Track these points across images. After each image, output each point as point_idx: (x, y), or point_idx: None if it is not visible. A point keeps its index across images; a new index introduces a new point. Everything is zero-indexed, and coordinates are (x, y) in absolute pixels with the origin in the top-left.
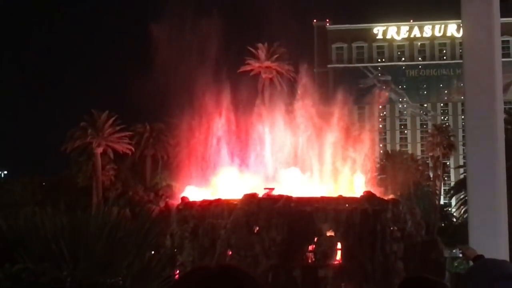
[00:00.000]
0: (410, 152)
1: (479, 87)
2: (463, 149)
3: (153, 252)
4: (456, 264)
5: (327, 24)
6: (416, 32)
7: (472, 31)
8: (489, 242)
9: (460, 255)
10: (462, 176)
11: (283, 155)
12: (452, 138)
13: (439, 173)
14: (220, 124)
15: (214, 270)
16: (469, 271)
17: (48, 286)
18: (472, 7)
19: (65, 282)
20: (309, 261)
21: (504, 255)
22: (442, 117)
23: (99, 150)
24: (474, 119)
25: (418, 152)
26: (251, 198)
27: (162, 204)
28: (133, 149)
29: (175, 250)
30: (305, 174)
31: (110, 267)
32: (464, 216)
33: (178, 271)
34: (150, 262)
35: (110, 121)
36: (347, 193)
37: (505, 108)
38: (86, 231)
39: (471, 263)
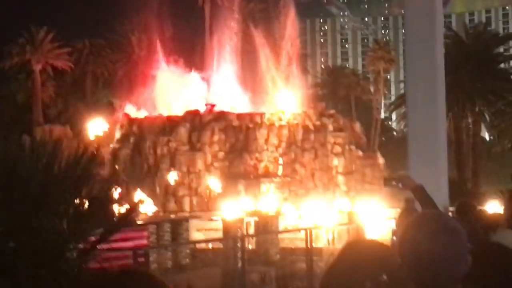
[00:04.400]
0: (351, 66)
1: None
2: (403, 63)
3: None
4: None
5: None
6: None
7: None
8: (428, 154)
9: (400, 185)
10: (402, 91)
11: (223, 71)
12: (392, 53)
13: (380, 87)
14: (160, 37)
15: (115, 276)
16: (407, 226)
17: None
18: None
19: None
20: (251, 176)
21: (442, 166)
22: (383, 31)
23: (38, 67)
24: (415, 41)
25: (359, 67)
26: (192, 114)
27: (103, 120)
28: (72, 66)
29: (116, 167)
30: (244, 89)
31: (46, 207)
32: (404, 130)
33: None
34: (88, 199)
35: (49, 37)
36: (287, 109)
37: (444, 21)
38: (20, 167)
39: (410, 193)
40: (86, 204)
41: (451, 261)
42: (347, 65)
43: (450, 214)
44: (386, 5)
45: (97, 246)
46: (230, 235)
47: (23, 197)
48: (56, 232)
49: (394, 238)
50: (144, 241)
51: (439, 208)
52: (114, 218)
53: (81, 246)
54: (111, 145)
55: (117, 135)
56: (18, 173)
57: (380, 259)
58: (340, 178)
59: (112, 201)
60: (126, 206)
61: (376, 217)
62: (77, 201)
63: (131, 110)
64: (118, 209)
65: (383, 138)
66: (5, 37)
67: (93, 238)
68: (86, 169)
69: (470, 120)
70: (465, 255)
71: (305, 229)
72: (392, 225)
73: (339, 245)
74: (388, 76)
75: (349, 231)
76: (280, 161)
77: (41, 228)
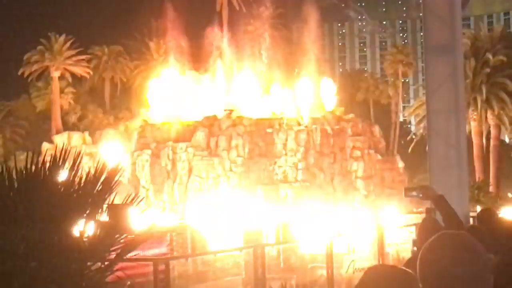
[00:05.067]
0: (369, 70)
1: (438, 19)
2: (422, 66)
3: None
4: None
5: None
6: None
7: None
8: (448, 160)
9: (420, 195)
10: (421, 94)
11: (241, 76)
12: (411, 56)
13: (398, 91)
14: (178, 45)
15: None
16: (426, 248)
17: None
18: None
19: (20, 245)
20: (270, 181)
21: (463, 172)
22: (401, 34)
23: (57, 73)
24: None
25: (378, 70)
26: (211, 119)
27: (122, 127)
28: (91, 72)
29: (136, 173)
30: (262, 93)
31: (67, 223)
32: (424, 134)
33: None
34: (110, 212)
35: (68, 44)
36: (306, 114)
37: (463, 25)
38: (41, 183)
39: (430, 203)
40: (107, 217)
41: (472, 282)
42: (365, 69)
43: (471, 220)
44: (404, 8)
45: (118, 260)
46: (250, 243)
47: (44, 213)
48: (77, 249)
49: (415, 248)
50: (164, 249)
51: (459, 218)
52: (136, 231)
53: (102, 261)
54: (130, 152)
55: (136, 141)
56: (39, 189)
57: (402, 285)
58: (360, 183)
59: (132, 212)
60: (146, 213)
61: (396, 222)
62: (98, 214)
63: (150, 116)
64: (139, 217)
65: (402, 142)
66: (24, 45)
67: (114, 252)
68: (107, 182)
69: (490, 123)
70: (486, 274)
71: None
72: (412, 230)
73: (359, 252)
74: (407, 80)
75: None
76: (299, 166)
77: (62, 246)
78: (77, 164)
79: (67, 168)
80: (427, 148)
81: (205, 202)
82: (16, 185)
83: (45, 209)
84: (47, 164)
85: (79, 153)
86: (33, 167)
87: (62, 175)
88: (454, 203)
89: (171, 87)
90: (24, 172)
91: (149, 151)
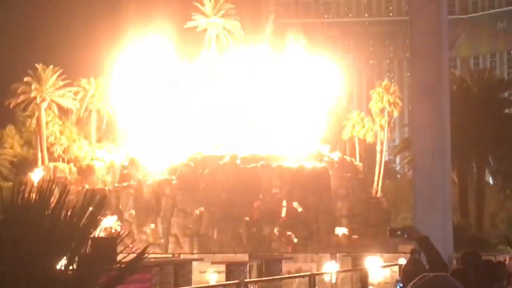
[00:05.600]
0: (356, 109)
1: (426, 60)
2: (408, 106)
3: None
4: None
5: None
6: None
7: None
8: (433, 202)
9: (405, 236)
10: (407, 134)
11: (227, 113)
12: (397, 95)
13: (384, 130)
14: (166, 79)
15: None
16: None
17: None
18: None
19: (5, 279)
20: (254, 217)
21: (447, 214)
22: (388, 74)
23: (43, 105)
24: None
25: (364, 109)
26: (196, 155)
27: (107, 160)
28: (78, 104)
29: (120, 207)
30: (248, 131)
31: (52, 257)
32: (408, 174)
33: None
34: (95, 246)
35: (55, 76)
36: (294, 152)
37: (449, 66)
38: (27, 219)
39: (415, 244)
40: (92, 250)
41: None
42: (351, 108)
43: (454, 262)
44: (391, 48)
45: None
46: (232, 279)
47: (29, 247)
48: (62, 282)
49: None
50: (147, 284)
51: (443, 259)
52: (120, 265)
53: None
54: (114, 185)
55: (120, 175)
56: (24, 221)
57: None
58: (344, 221)
59: (116, 246)
60: (130, 247)
61: (380, 262)
62: (83, 248)
63: (135, 150)
64: (123, 252)
65: (387, 181)
66: (11, 75)
67: (98, 287)
68: (93, 216)
69: (474, 164)
70: None
71: (309, 275)
72: (395, 270)
73: None
74: (393, 119)
75: (352, 276)
76: (284, 203)
77: (47, 279)
78: (63, 197)
79: (52, 201)
80: (412, 187)
81: (188, 236)
82: (1, 217)
83: (30, 242)
84: (33, 197)
85: (66, 186)
86: (19, 200)
87: (48, 208)
88: (439, 243)
89: (159, 122)
90: (9, 204)
91: (133, 185)
